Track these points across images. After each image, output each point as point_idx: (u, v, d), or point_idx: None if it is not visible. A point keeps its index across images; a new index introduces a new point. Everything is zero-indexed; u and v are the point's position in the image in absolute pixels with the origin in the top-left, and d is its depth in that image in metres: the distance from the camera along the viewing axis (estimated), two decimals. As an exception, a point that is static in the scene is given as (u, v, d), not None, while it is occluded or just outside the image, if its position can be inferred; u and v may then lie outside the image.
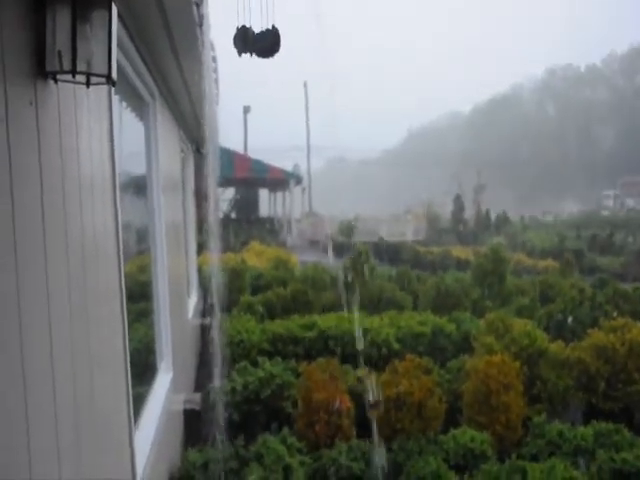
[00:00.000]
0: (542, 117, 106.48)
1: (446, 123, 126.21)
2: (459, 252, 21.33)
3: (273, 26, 2.55)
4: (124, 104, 3.82)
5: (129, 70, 3.44)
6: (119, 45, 3.05)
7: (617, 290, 11.48)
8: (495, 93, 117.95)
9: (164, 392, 4.14)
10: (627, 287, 12.67)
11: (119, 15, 2.83)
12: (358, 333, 7.39)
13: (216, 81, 7.24)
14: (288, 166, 33.37)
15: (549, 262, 19.25)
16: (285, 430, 4.48)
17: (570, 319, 8.93)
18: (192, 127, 7.88)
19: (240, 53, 2.61)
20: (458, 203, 33.28)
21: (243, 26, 2.57)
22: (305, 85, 44.77)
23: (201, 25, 3.82)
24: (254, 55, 2.60)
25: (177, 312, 5.86)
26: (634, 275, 18.34)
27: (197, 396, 5.62)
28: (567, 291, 10.26)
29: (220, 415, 4.96)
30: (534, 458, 4.51)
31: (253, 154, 34.03)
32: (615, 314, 9.56)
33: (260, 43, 2.52)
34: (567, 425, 4.83)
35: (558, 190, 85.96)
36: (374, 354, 7.30)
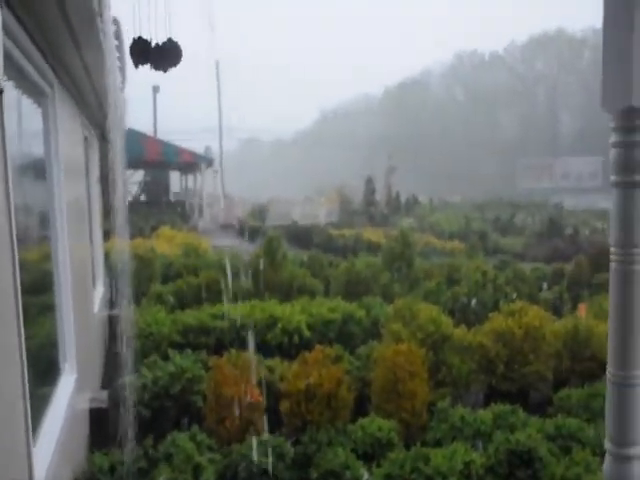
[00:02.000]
0: (451, 101, 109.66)
1: (359, 106, 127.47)
2: (370, 234, 21.77)
3: (170, 39, 2.48)
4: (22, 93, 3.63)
5: (24, 62, 3.26)
6: (10, 37, 2.89)
7: (517, 271, 12.14)
8: (406, 77, 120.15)
9: (68, 395, 4.00)
10: (526, 267, 13.45)
11: (9, 6, 2.69)
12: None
13: (122, 68, 6.98)
14: (199, 148, 32.75)
15: (456, 244, 20.05)
16: (195, 427, 4.45)
17: (474, 302, 9.36)
18: (97, 114, 7.57)
19: (137, 65, 2.52)
20: (369, 186, 33.90)
21: (140, 38, 2.47)
22: (217, 65, 43.89)
23: (102, 15, 3.66)
24: (153, 68, 2.52)
25: (81, 305, 5.65)
26: (533, 255, 19.43)
27: (104, 394, 5.47)
28: (471, 274, 10.72)
29: (128, 413, 4.86)
30: (438, 443, 4.71)
31: (163, 136, 33.15)
32: (515, 295, 10.14)
33: (160, 56, 2.44)
34: (468, 409, 5.07)
35: (466, 172, 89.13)
36: (285, 342, 7.37)
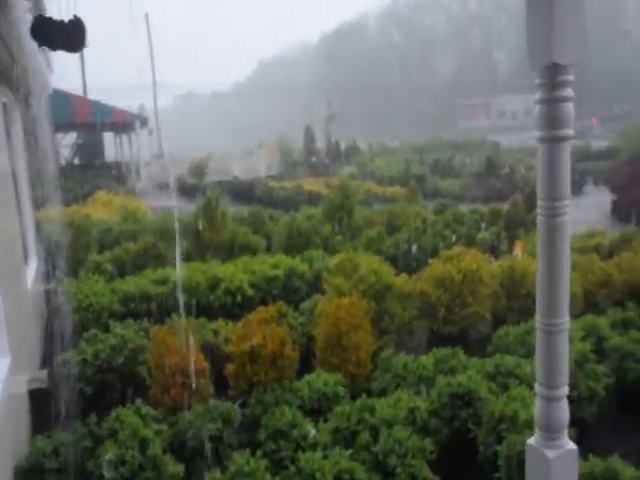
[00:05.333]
0: (388, 44, 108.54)
1: (295, 53, 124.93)
2: (311, 185, 21.70)
3: (75, 16, 2.28)
4: None
5: None
6: None
7: (455, 214, 12.38)
8: (342, 21, 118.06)
9: (1, 381, 3.87)
10: (465, 209, 13.69)
11: None
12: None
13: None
14: (133, 106, 31.66)
15: (396, 189, 20.21)
16: (138, 401, 4.40)
17: (414, 248, 9.50)
18: (17, 80, 7.15)
19: (40, 45, 2.32)
20: (309, 134, 33.61)
21: (39, 16, 2.26)
22: (146, 18, 42.07)
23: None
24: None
25: (11, 283, 5.42)
26: (472, 196, 19.81)
27: (44, 373, 5.33)
28: (412, 220, 10.86)
29: (70, 391, 4.76)
30: (383, 392, 4.82)
31: (94, 95, 31.87)
32: (454, 239, 10.34)
33: (63, 36, 2.25)
34: (411, 356, 5.18)
35: (405, 115, 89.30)
36: (229, 302, 7.34)
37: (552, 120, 2.14)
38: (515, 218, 11.80)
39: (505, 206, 13.04)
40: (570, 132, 2.16)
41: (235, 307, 7.29)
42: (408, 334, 6.26)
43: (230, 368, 4.94)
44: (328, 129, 36.55)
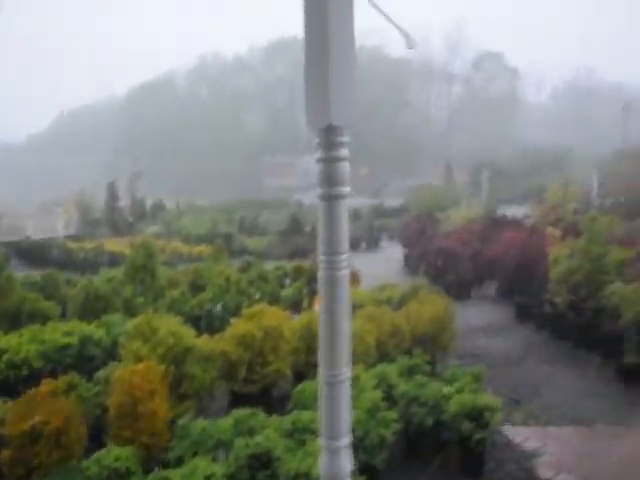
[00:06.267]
0: (196, 103, 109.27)
1: (100, 106, 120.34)
2: (114, 245, 20.79)
3: None
4: None
5: None
6: None
7: (260, 272, 12.60)
8: (150, 77, 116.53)
9: None
10: (270, 266, 14.00)
11: None
12: None
13: None
14: None
15: (203, 247, 20.10)
16: None
17: (219, 307, 9.45)
18: None
19: None
20: (111, 191, 32.32)
21: None
22: None
23: None
24: None
25: None
26: (277, 253, 20.36)
27: None
28: (216, 279, 10.82)
29: None
30: (179, 462, 4.62)
31: None
32: (257, 296, 10.49)
33: None
34: (210, 420, 5.07)
35: (213, 174, 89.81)
36: (12, 377, 6.66)
37: (329, 178, 2.27)
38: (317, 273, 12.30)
39: (308, 262, 13.58)
40: (346, 190, 2.29)
41: (20, 382, 6.61)
42: (209, 397, 6.13)
43: (5, 453, 4.43)
44: (133, 186, 35.54)
